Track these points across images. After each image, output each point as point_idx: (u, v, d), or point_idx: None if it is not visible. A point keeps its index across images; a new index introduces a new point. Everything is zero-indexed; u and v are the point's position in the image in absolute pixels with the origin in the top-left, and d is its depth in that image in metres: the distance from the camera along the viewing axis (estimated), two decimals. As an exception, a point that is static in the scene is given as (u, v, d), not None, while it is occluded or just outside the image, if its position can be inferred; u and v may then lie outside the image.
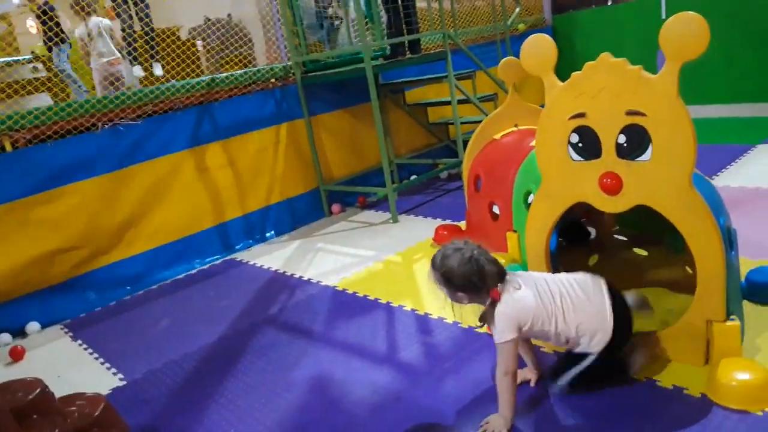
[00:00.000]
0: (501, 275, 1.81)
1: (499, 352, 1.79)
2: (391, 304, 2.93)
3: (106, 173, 3.70)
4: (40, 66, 5.62)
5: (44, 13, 4.69)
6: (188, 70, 4.44)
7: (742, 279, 2.30)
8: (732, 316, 1.90)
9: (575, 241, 2.88)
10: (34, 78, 5.26)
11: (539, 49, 2.03)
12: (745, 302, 2.25)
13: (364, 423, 2.02)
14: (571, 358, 1.90)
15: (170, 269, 3.97)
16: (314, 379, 2.37)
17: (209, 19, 5.68)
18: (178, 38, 5.43)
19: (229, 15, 5.80)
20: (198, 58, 5.11)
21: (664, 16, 5.75)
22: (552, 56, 2.01)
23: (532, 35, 2.06)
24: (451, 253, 1.80)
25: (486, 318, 1.84)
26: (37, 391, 1.91)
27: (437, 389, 2.14)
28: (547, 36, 2.03)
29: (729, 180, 3.77)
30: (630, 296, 1.95)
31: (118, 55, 4.78)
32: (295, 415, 2.15)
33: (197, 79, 4.16)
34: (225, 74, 4.32)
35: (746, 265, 2.38)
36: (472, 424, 1.87)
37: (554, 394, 1.95)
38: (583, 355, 1.86)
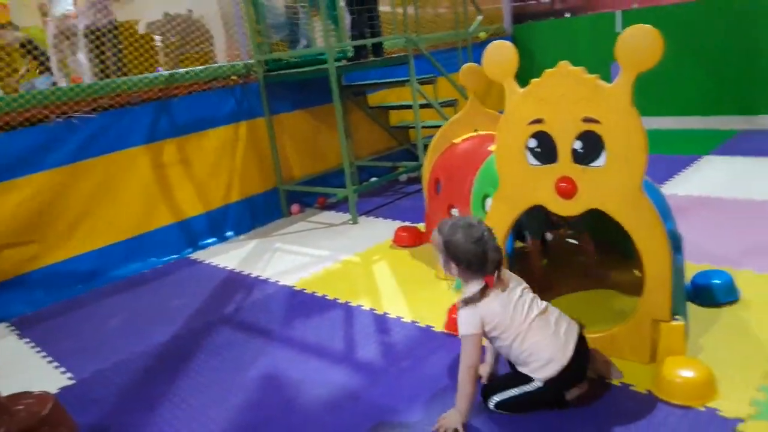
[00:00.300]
0: (500, 265, 1.82)
1: (462, 344, 1.81)
2: (349, 304, 2.93)
3: (59, 167, 3.59)
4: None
5: (28, 43, 4.61)
6: (146, 64, 4.35)
7: (688, 282, 2.40)
8: (677, 316, 1.98)
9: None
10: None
11: (501, 55, 2.08)
12: (689, 304, 2.36)
13: (321, 422, 2.02)
14: (511, 379, 1.88)
15: (124, 267, 3.87)
16: (270, 379, 2.36)
17: (168, 14, 5.57)
18: (136, 31, 5.31)
19: (189, 11, 5.70)
20: (156, 53, 5.01)
21: (619, 30, 5.95)
22: (513, 63, 2.05)
23: (494, 42, 2.10)
24: (462, 225, 1.81)
25: (466, 300, 1.82)
26: (-18, 388, 1.85)
27: (395, 388, 2.16)
28: (508, 43, 2.08)
29: (677, 188, 3.92)
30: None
31: (73, 9, 4.64)
32: (250, 415, 2.13)
33: (156, 74, 4.07)
34: (185, 69, 4.25)
35: (691, 269, 2.48)
36: (429, 421, 1.90)
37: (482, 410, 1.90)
38: (525, 380, 1.83)
